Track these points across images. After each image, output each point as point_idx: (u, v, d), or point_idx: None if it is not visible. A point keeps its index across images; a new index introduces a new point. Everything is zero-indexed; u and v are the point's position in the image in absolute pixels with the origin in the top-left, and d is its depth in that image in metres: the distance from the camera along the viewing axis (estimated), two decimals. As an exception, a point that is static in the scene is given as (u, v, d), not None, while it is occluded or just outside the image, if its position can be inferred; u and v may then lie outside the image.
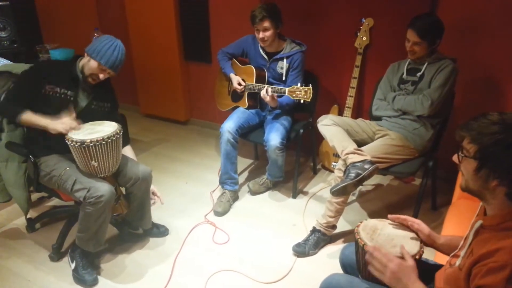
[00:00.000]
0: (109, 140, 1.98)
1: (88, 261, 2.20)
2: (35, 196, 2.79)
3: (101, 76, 2.08)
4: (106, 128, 2.05)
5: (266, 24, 2.59)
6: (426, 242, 1.40)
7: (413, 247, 1.34)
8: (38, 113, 2.04)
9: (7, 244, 2.48)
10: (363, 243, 1.36)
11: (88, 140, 1.93)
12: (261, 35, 2.64)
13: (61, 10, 4.05)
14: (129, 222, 2.42)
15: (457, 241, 1.33)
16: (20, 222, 2.66)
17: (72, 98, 2.12)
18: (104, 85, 2.21)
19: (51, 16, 3.90)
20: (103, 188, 1.99)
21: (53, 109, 2.05)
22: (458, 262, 1.18)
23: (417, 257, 1.29)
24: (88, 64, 2.07)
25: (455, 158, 1.19)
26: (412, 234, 1.42)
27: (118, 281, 2.18)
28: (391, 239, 1.38)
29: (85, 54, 2.09)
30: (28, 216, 2.50)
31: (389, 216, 1.48)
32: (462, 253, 1.19)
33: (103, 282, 2.18)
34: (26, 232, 2.57)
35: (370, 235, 1.40)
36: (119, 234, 2.51)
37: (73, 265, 2.20)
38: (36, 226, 2.60)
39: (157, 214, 2.64)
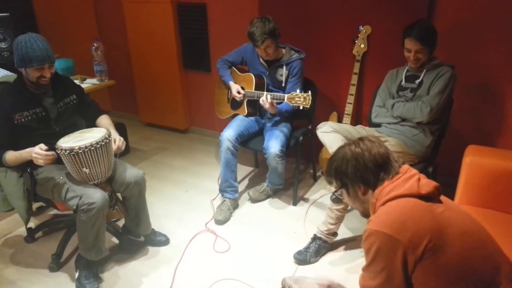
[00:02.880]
0: (98, 146, 1.98)
1: (91, 272, 2.19)
2: (36, 205, 2.79)
3: (47, 74, 2.05)
4: (95, 134, 2.06)
5: (268, 43, 2.60)
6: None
7: None
8: (22, 144, 2.04)
9: (7, 254, 2.47)
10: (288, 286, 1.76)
11: (77, 147, 1.94)
12: (264, 53, 2.66)
13: (61, 20, 4.07)
14: (129, 229, 2.42)
15: None
16: (20, 232, 2.65)
17: (44, 113, 2.13)
18: (58, 81, 2.21)
19: (51, 26, 3.92)
20: (96, 196, 1.99)
21: (35, 132, 2.07)
22: None
23: None
24: (27, 74, 2.04)
25: (334, 199, 1.79)
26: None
27: (119, 291, 2.17)
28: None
29: (19, 69, 2.06)
30: (29, 225, 2.49)
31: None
32: None
33: (104, 292, 2.17)
34: (26, 242, 2.56)
35: (294, 281, 1.75)
36: (119, 244, 2.51)
37: (76, 274, 2.19)
38: (36, 236, 2.59)
39: (157, 222, 2.63)
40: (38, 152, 1.95)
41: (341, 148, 1.46)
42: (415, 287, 1.24)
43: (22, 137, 2.08)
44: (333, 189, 2.32)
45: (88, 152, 1.96)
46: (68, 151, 1.94)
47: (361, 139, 1.43)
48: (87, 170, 2.00)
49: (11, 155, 2.04)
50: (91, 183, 2.08)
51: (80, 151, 1.94)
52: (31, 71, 2.02)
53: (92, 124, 2.38)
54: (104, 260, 2.36)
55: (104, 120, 2.38)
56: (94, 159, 1.99)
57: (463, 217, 1.29)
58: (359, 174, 1.37)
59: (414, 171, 1.37)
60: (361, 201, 1.43)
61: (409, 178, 1.32)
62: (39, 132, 2.09)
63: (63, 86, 2.25)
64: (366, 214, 1.45)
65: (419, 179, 1.33)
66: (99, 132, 2.10)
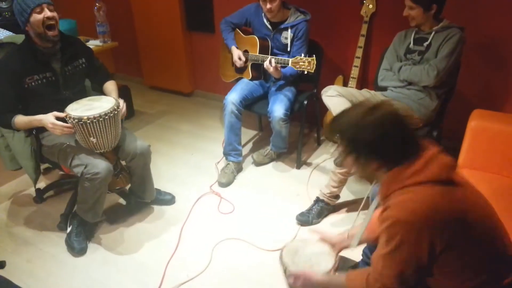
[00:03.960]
0: (106, 117, 1.98)
1: (83, 230, 2.26)
2: (43, 166, 2.84)
3: (48, 14, 1.95)
4: (104, 104, 2.05)
5: None
6: (340, 248, 1.58)
7: (328, 262, 1.50)
8: (32, 108, 2.03)
9: (17, 213, 2.54)
10: (284, 267, 1.51)
11: (85, 117, 1.93)
12: (268, 5, 2.57)
13: (61, -21, 3.98)
14: (136, 193, 2.47)
15: (369, 237, 1.52)
16: (30, 192, 2.72)
17: (54, 77, 2.08)
18: (67, 43, 2.13)
19: (51, -14, 3.85)
20: (101, 166, 2.02)
21: (45, 96, 2.05)
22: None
23: (333, 270, 1.48)
24: (33, 24, 1.95)
25: (337, 162, 1.45)
26: (327, 249, 1.57)
27: (125, 250, 2.25)
28: (309, 259, 1.53)
29: (25, 28, 2.00)
30: (37, 186, 2.55)
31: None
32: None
33: (109, 251, 2.24)
34: (35, 202, 2.63)
35: (291, 259, 1.53)
36: (126, 205, 2.56)
37: (68, 229, 2.27)
38: (45, 196, 2.66)
39: (163, 185, 2.68)
40: (54, 123, 1.95)
41: (358, 106, 1.25)
42: (436, 276, 1.21)
43: (32, 101, 2.06)
44: (336, 153, 2.34)
45: (97, 122, 1.96)
46: (76, 120, 1.94)
47: (386, 104, 1.23)
48: (94, 140, 2.01)
49: (20, 120, 2.02)
50: (97, 151, 2.09)
51: (88, 121, 1.94)
52: (34, 19, 1.93)
53: (98, 88, 2.37)
54: (108, 220, 2.43)
55: (109, 86, 2.33)
56: (102, 129, 1.99)
57: (480, 200, 1.25)
58: (380, 148, 1.19)
59: (433, 149, 1.22)
60: (366, 173, 1.30)
61: (430, 161, 1.18)
62: (48, 97, 2.07)
63: (72, 48, 2.17)
64: (366, 181, 1.38)
65: (439, 162, 1.20)
66: (108, 102, 2.08)
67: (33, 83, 2.03)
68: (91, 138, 2.00)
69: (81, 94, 2.21)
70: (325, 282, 1.40)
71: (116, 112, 2.04)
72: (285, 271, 1.50)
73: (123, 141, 2.23)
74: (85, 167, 2.01)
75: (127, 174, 2.31)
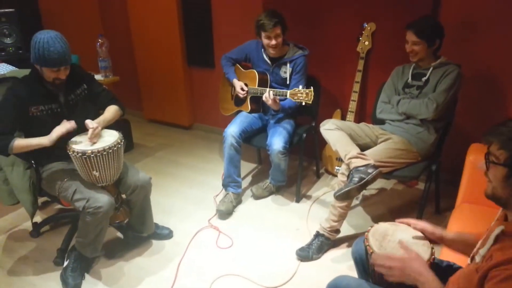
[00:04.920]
0: (110, 151, 1.99)
1: (80, 266, 2.21)
2: (41, 199, 2.81)
3: (62, 75, 2.00)
4: (107, 138, 2.06)
5: (278, 30, 2.60)
6: (433, 239, 1.41)
7: (423, 254, 1.33)
8: (33, 134, 2.02)
9: (12, 248, 2.49)
10: (371, 250, 1.36)
11: (89, 151, 1.94)
12: (273, 41, 2.64)
13: (65, 16, 4.08)
14: (133, 227, 2.43)
15: (469, 238, 1.33)
16: (26, 226, 2.68)
17: (59, 109, 2.10)
18: (70, 75, 2.09)
19: (55, 22, 3.93)
20: (103, 199, 2.00)
21: (48, 127, 2.02)
22: (477, 259, 1.18)
23: (429, 262, 1.29)
24: (43, 73, 1.99)
25: (481, 165, 1.16)
26: (422, 241, 1.41)
27: (122, 285, 2.19)
28: (400, 246, 1.37)
29: (35, 65, 2.01)
30: (34, 220, 2.51)
31: (396, 220, 1.50)
32: (481, 252, 1.17)
33: (106, 287, 2.19)
34: (31, 236, 2.58)
35: (379, 242, 1.40)
36: (123, 239, 2.52)
37: (65, 263, 2.22)
38: (41, 230, 2.61)
39: (161, 218, 2.65)
40: (55, 129, 1.97)
41: None
42: None
43: (35, 128, 2.05)
44: (336, 186, 2.33)
45: (100, 156, 1.96)
46: (80, 154, 1.94)
47: None
48: (97, 174, 2.01)
49: (20, 143, 1.96)
50: (99, 185, 2.08)
51: (92, 155, 1.95)
52: (46, 71, 1.97)
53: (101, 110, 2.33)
54: (106, 254, 2.38)
55: (108, 109, 2.27)
56: (105, 163, 2.00)
57: None
58: None
59: None
60: (510, 192, 1.10)
61: None
62: (52, 126, 2.05)
63: (74, 75, 2.15)
64: (498, 201, 1.15)
65: None
66: (112, 136, 2.10)
67: (38, 113, 2.05)
68: (94, 172, 2.00)
69: (84, 119, 2.14)
70: (429, 279, 1.19)
71: (119, 146, 2.05)
72: (369, 253, 1.36)
73: (125, 174, 2.22)
74: (87, 201, 1.99)
75: (127, 208, 2.29)
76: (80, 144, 2.00)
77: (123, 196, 2.29)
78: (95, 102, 2.32)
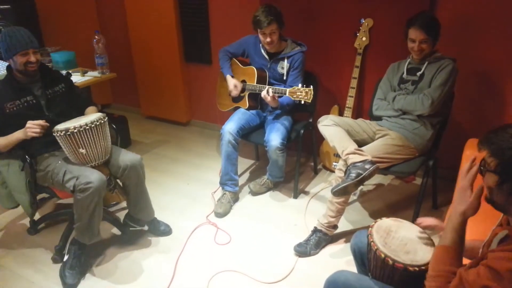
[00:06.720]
0: (92, 125, 2.04)
1: (79, 263, 2.21)
2: (38, 197, 2.81)
3: (32, 59, 2.10)
4: (91, 117, 2.12)
5: (274, 27, 2.59)
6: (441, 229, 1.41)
7: (426, 254, 1.34)
8: (13, 131, 2.09)
9: (10, 246, 2.49)
10: (376, 247, 1.36)
11: (72, 127, 2.00)
12: (268, 38, 2.63)
13: (62, 13, 4.06)
14: (133, 217, 2.43)
15: (478, 246, 1.31)
16: (23, 223, 2.67)
17: (34, 101, 2.17)
18: (46, 72, 2.28)
19: (52, 19, 3.92)
20: (93, 176, 2.03)
21: (27, 118, 2.10)
22: None
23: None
24: (15, 62, 2.10)
25: (473, 170, 1.19)
26: (426, 240, 1.41)
27: (120, 282, 2.20)
28: (404, 244, 1.38)
29: (8, 62, 2.14)
30: (32, 218, 2.52)
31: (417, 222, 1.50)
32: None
33: (104, 283, 2.19)
34: (29, 233, 2.58)
35: (383, 238, 1.40)
36: (121, 235, 2.53)
37: (65, 258, 2.24)
38: (39, 228, 2.61)
39: (159, 215, 2.64)
40: (29, 124, 2.03)
41: None
42: None
43: (15, 124, 2.10)
44: (333, 182, 2.34)
45: (84, 131, 2.02)
46: (64, 132, 2.00)
47: None
48: (83, 151, 2.05)
49: (1, 140, 2.09)
50: (89, 165, 2.12)
51: (75, 131, 2.00)
52: (17, 59, 2.07)
53: (81, 114, 2.41)
54: (104, 250, 2.39)
55: (89, 110, 2.43)
56: (90, 139, 2.04)
57: None
58: None
59: None
60: (504, 198, 1.12)
61: None
62: (31, 119, 2.11)
63: (51, 76, 2.31)
64: (496, 206, 1.17)
65: None
66: (95, 115, 2.16)
67: (14, 108, 2.12)
68: (81, 150, 2.04)
69: (65, 117, 2.24)
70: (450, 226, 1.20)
71: (102, 121, 2.10)
72: (374, 249, 1.36)
73: (115, 154, 2.26)
74: (76, 179, 2.01)
75: (122, 190, 2.30)
76: (64, 124, 2.07)
77: (118, 181, 2.30)
78: (73, 103, 2.38)
